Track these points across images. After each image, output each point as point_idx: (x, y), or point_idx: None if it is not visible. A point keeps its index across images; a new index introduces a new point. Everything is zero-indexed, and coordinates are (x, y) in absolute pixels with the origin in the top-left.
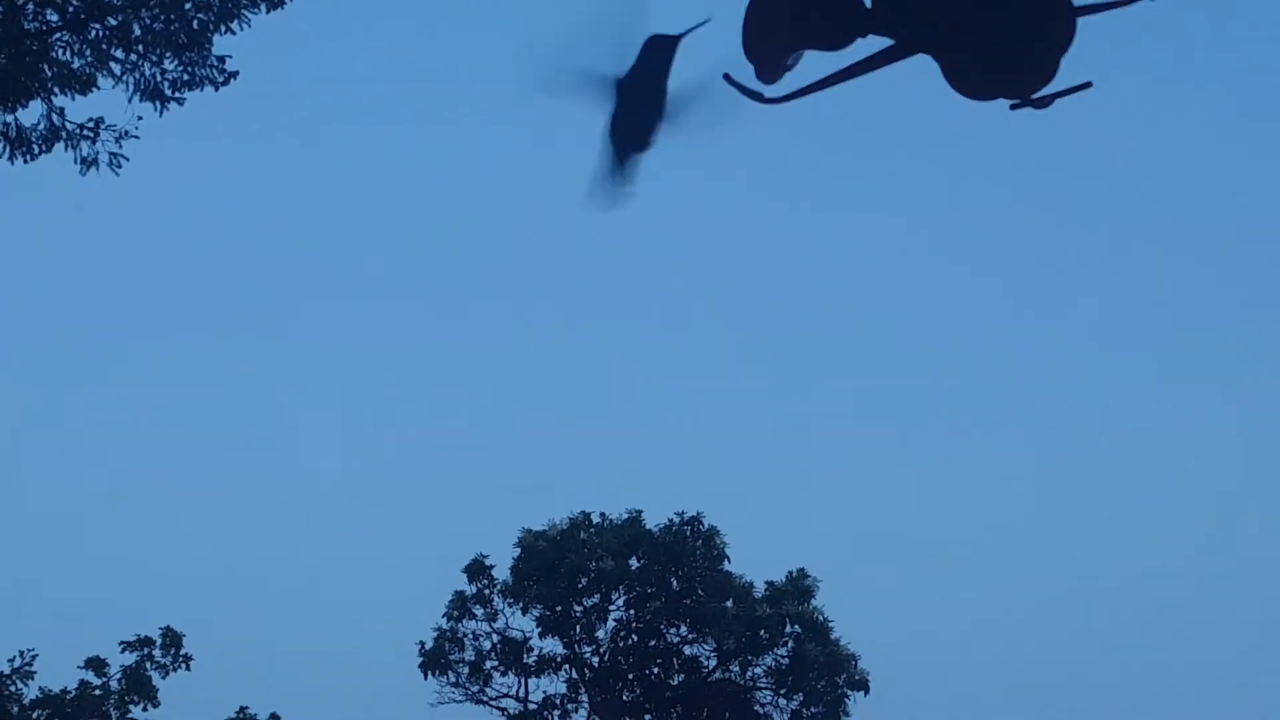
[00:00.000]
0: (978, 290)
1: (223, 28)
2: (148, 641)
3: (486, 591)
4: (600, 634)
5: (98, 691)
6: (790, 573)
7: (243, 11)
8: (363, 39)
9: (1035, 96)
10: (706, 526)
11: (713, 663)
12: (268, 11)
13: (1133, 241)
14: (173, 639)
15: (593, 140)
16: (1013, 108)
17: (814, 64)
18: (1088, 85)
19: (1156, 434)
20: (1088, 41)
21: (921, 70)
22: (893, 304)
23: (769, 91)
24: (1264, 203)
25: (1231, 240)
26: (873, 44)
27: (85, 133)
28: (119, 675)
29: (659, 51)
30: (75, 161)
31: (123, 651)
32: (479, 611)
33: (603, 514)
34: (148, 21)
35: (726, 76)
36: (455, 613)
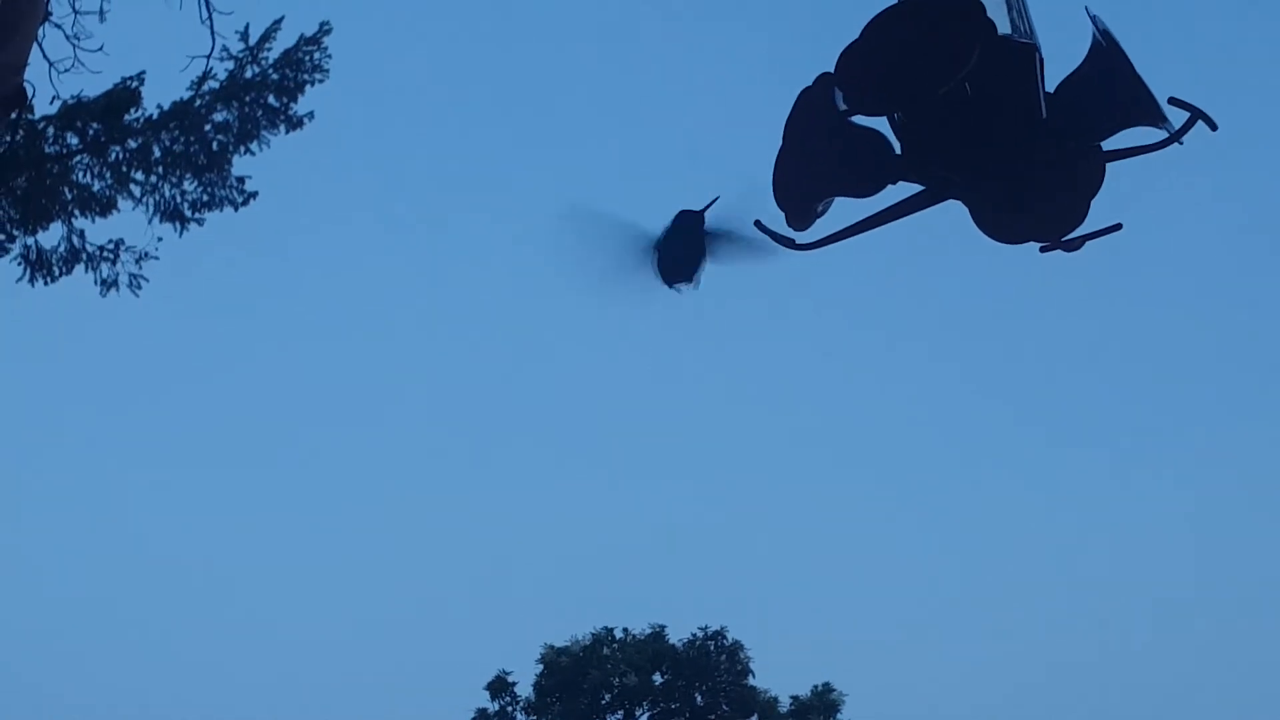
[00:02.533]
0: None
1: (242, 149)
2: None
3: (509, 708)
4: None
5: None
6: (815, 686)
7: (262, 132)
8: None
9: (1065, 239)
10: (730, 640)
11: None
12: (287, 132)
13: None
14: None
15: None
16: (1042, 250)
17: (845, 210)
18: (1118, 227)
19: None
20: (1116, 183)
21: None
22: (913, 409)
23: (800, 238)
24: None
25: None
26: (903, 190)
27: (105, 254)
28: None
29: (688, 219)
30: (95, 283)
31: None
32: None
33: (625, 629)
34: (167, 143)
35: (757, 223)
36: None
